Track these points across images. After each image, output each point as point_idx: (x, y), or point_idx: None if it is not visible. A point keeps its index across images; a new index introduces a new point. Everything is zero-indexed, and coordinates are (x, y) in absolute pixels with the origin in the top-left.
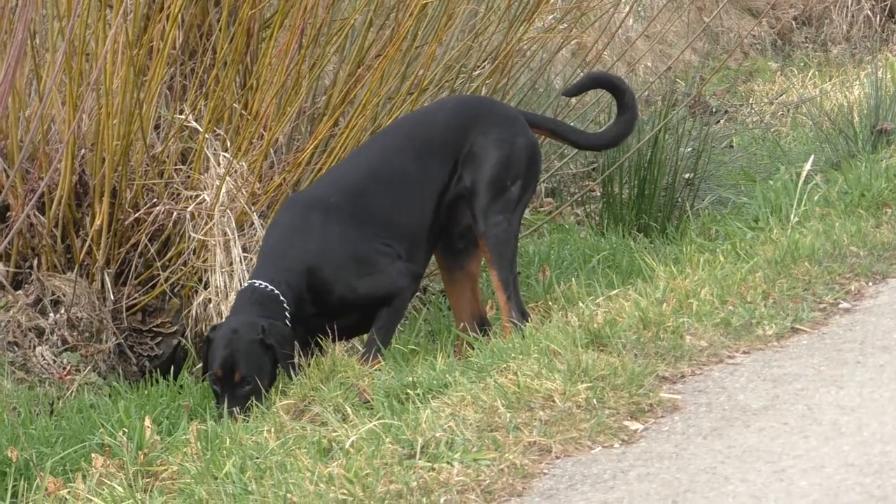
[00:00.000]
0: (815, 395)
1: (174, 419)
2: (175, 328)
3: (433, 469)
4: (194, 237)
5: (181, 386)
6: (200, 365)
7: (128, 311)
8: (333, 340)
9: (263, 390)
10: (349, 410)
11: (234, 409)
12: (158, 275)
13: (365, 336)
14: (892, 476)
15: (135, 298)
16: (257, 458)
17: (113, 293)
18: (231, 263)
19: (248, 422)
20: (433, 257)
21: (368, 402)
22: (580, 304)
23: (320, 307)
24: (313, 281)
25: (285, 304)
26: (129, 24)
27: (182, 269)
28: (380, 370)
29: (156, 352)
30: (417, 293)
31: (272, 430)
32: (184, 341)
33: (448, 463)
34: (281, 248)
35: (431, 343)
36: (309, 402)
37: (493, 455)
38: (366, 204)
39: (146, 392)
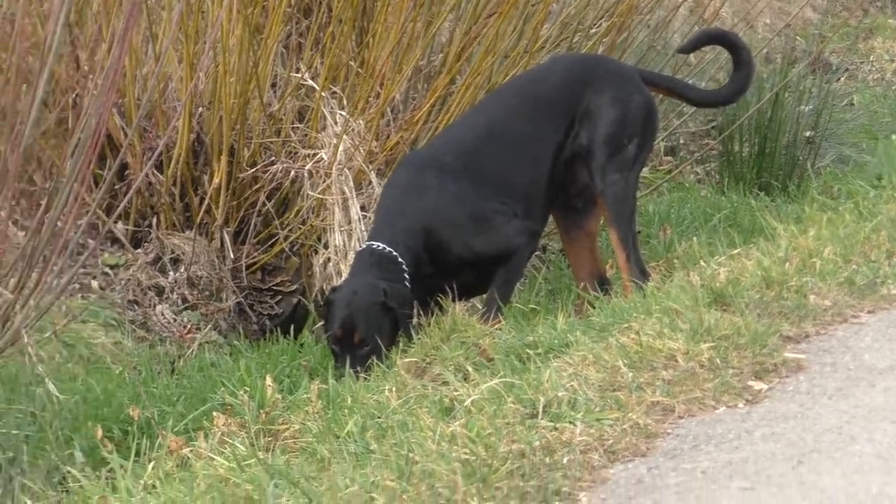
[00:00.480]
0: None
1: (295, 378)
2: (294, 287)
3: (555, 429)
4: (312, 196)
5: (301, 345)
6: (322, 324)
7: (247, 270)
8: (453, 300)
9: (384, 350)
10: (470, 370)
11: (355, 368)
12: (277, 234)
13: (484, 296)
14: None
15: (254, 257)
16: (379, 417)
17: (232, 252)
18: (349, 222)
19: (369, 381)
20: (551, 217)
21: (491, 360)
22: (702, 263)
23: (438, 267)
24: (430, 241)
25: (404, 266)
26: None
27: (300, 228)
28: (500, 329)
29: (276, 311)
30: (536, 252)
31: (393, 389)
32: (303, 300)
33: (570, 423)
34: (398, 209)
35: (552, 302)
36: (430, 362)
37: (615, 415)
38: (481, 163)
39: (267, 351)
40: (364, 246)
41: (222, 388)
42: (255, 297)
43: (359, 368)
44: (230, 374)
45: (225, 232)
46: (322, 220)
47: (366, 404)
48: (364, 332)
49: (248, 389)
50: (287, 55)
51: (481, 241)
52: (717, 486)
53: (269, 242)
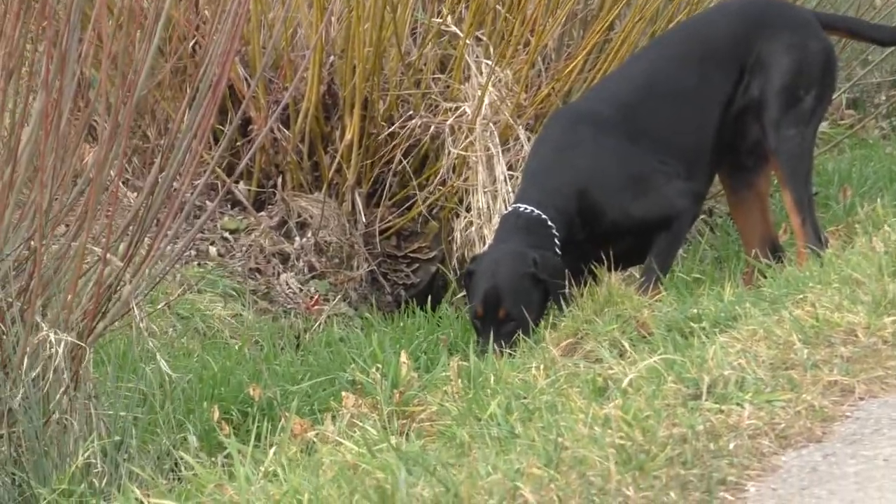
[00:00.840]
0: None
1: (432, 354)
2: (433, 254)
3: (721, 411)
4: (454, 153)
5: (440, 318)
6: (463, 296)
7: (381, 235)
8: (608, 269)
9: (531, 324)
10: (626, 346)
11: (499, 344)
12: (414, 195)
13: (642, 264)
14: None
15: (389, 221)
16: (524, 397)
17: (364, 215)
18: (494, 182)
19: (514, 358)
20: (718, 177)
21: (650, 334)
22: (886, 228)
23: (592, 233)
24: (584, 204)
25: (554, 231)
26: None
27: (440, 189)
28: (660, 301)
29: (412, 280)
30: (701, 216)
31: (541, 366)
32: (443, 269)
33: (738, 404)
34: (548, 168)
35: (718, 271)
36: (582, 337)
37: (788, 396)
38: (641, 118)
39: (401, 324)
40: (510, 209)
41: (352, 366)
42: (389, 266)
43: (503, 344)
44: (361, 349)
45: (357, 193)
46: (464, 181)
47: (510, 384)
48: (510, 306)
49: (380, 367)
50: None
51: (640, 205)
52: None
53: (406, 205)
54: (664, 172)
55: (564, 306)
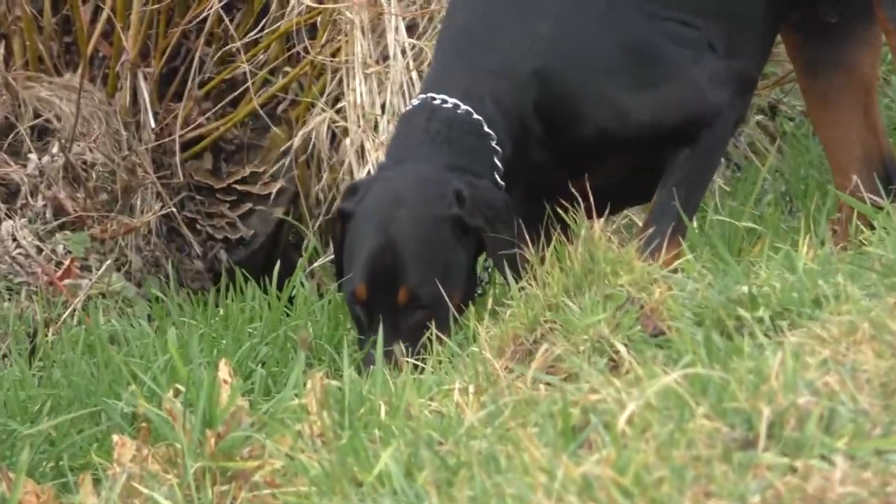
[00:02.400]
0: None
1: (277, 366)
2: (277, 186)
3: (793, 470)
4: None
5: (290, 300)
6: (332, 263)
7: (184, 152)
8: (590, 213)
9: (452, 312)
10: (622, 351)
11: (397, 346)
12: (244, 79)
13: (649, 204)
14: None
15: (198, 126)
16: (440, 444)
17: (155, 116)
18: (384, 53)
19: (423, 373)
20: (785, 47)
21: (662, 332)
22: None
23: (560, 148)
24: (548, 98)
25: (494, 143)
26: None
27: (289, 69)
28: (683, 271)
29: (239, 233)
30: (751, 118)
31: (471, 388)
32: (294, 214)
33: (823, 458)
34: (485, 33)
35: (786, 217)
36: (542, 335)
37: None
38: None
39: (221, 312)
40: (415, 101)
41: (131, 387)
42: (199, 207)
43: (405, 347)
44: (147, 357)
45: (142, 76)
46: (331, 54)
47: (416, 419)
48: (416, 279)
49: (182, 388)
50: None
51: (646, 99)
52: None
53: (230, 97)
54: (688, 43)
55: (512, 278)
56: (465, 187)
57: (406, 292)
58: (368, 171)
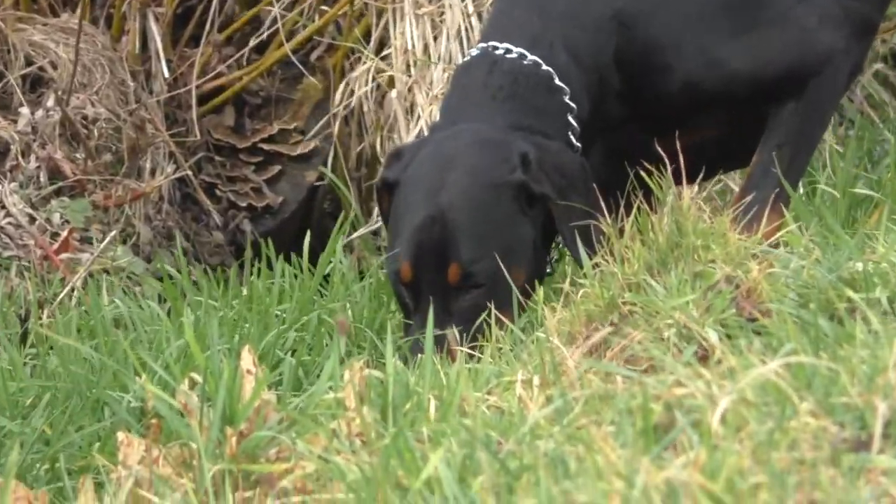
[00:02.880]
0: None
1: (310, 355)
2: (311, 146)
3: None
4: None
5: (325, 280)
6: (375, 237)
7: (202, 105)
8: (679, 179)
9: (516, 294)
10: (713, 338)
11: (449, 332)
12: (274, 18)
13: (745, 168)
14: None
15: (218, 74)
16: (500, 444)
17: (168, 63)
18: None
19: (479, 363)
20: None
21: (750, 316)
22: None
23: (644, 105)
24: (629, 44)
25: (567, 99)
26: None
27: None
28: (786, 243)
29: (267, 200)
30: (869, 65)
31: (535, 380)
32: (331, 178)
33: None
34: None
35: None
36: (620, 319)
37: None
38: None
39: (244, 292)
40: (474, 51)
41: (140, 378)
42: (219, 170)
43: (459, 333)
44: (158, 342)
45: (152, 14)
46: None
47: (472, 416)
48: (471, 255)
49: (197, 378)
50: None
51: (744, 45)
52: None
53: (257, 39)
54: None
55: (585, 254)
56: (533, 149)
57: (457, 270)
58: (419, 132)
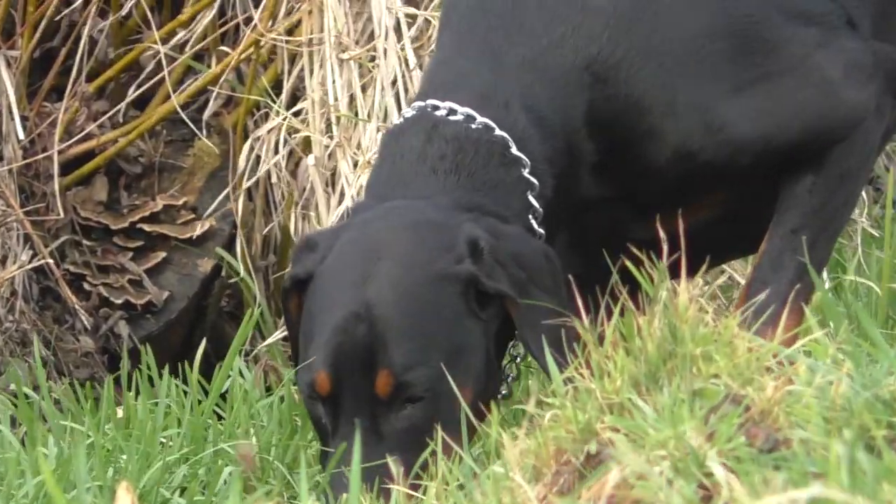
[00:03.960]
0: None
1: (204, 492)
2: (204, 227)
3: None
4: None
5: (223, 397)
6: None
7: (65, 175)
8: (674, 272)
9: (465, 411)
10: (718, 473)
11: (383, 458)
12: (156, 68)
13: (754, 254)
14: None
15: (79, 136)
16: None
17: (24, 118)
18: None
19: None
20: None
21: (778, 446)
22: None
23: (624, 180)
24: (605, 101)
25: (526, 172)
26: None
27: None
28: (809, 354)
29: (149, 296)
30: None
31: None
32: (230, 263)
33: None
34: (509, 11)
35: None
36: (599, 449)
37: None
38: None
39: (120, 414)
40: (409, 111)
41: None
42: (86, 258)
43: (391, 461)
44: (9, 479)
45: (2, 58)
46: (290, 26)
47: None
48: (403, 358)
49: None
50: None
51: (751, 103)
52: None
53: (135, 86)
54: (816, 17)
55: (554, 365)
56: (484, 234)
57: (388, 377)
58: (344, 209)
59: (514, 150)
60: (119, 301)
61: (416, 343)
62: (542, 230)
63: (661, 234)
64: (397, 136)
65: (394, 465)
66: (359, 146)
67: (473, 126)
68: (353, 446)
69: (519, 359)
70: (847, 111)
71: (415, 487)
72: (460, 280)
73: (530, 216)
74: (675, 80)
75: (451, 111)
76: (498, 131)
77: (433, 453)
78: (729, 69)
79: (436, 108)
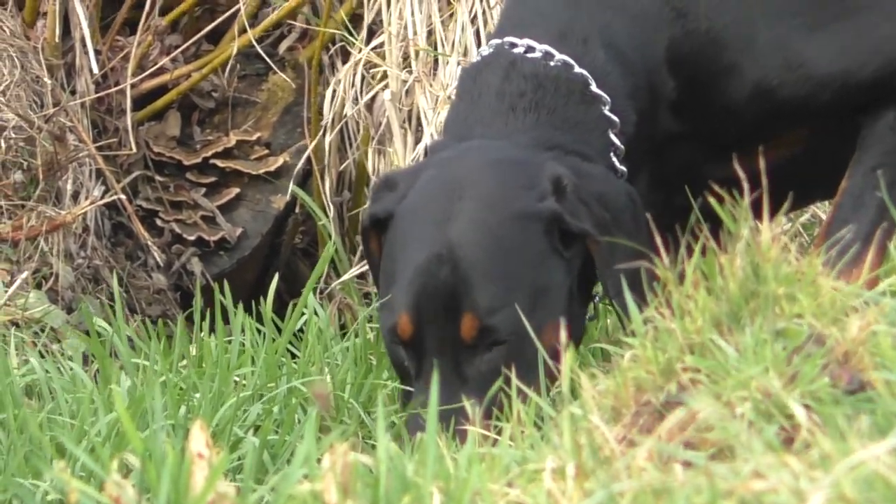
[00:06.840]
0: None
1: (278, 431)
2: (278, 163)
3: None
4: None
5: (298, 333)
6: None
7: (137, 112)
8: (754, 210)
9: (545, 354)
10: (800, 415)
11: (463, 401)
12: None
13: (831, 199)
14: None
15: (152, 70)
16: None
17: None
18: None
19: (496, 445)
20: None
21: (863, 387)
22: None
23: (705, 117)
24: (686, 38)
25: (607, 110)
26: None
27: None
28: (894, 293)
29: (222, 233)
30: None
31: (570, 470)
32: (304, 200)
33: None
34: None
35: None
36: (679, 390)
37: None
38: None
39: (193, 352)
40: (486, 49)
41: (58, 462)
42: (158, 194)
43: (473, 405)
44: (83, 416)
45: None
46: None
47: None
48: (488, 303)
49: (131, 464)
50: None
51: (832, 39)
52: None
53: (207, 27)
54: None
55: (636, 308)
56: (568, 173)
57: (473, 322)
58: (422, 146)
59: (594, 87)
60: (192, 238)
61: (500, 285)
62: (623, 168)
63: (741, 172)
64: (475, 74)
65: (471, 408)
66: (438, 82)
67: (552, 63)
68: (432, 388)
69: (598, 298)
70: None
71: (494, 429)
72: (543, 218)
73: (612, 154)
74: (755, 15)
75: (530, 48)
76: (577, 69)
77: (510, 395)
78: (809, 4)
79: (514, 45)
